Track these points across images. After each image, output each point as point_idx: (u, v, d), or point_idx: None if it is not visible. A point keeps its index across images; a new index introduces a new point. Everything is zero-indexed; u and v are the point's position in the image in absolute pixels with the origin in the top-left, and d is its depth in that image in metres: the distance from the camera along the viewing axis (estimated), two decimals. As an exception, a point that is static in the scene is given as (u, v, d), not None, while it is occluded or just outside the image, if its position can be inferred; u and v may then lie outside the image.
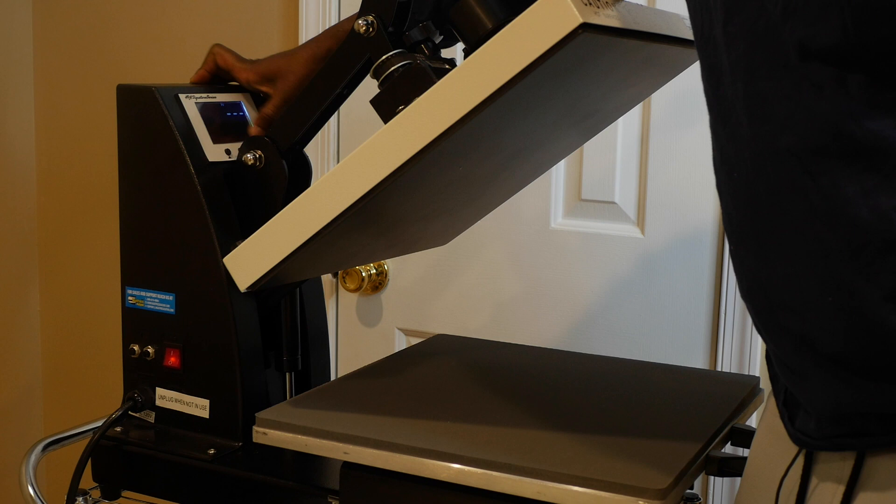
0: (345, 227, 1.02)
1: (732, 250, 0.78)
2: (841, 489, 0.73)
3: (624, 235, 1.66)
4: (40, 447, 1.16)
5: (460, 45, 1.01)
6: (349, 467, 0.98)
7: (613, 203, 1.67)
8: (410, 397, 1.09)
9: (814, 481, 0.76)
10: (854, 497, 0.72)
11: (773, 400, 0.86)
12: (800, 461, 0.79)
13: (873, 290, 0.66)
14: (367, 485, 0.98)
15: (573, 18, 0.84)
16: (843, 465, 0.73)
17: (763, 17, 0.67)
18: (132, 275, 1.18)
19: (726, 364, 1.59)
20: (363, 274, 1.81)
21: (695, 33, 0.78)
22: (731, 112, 0.72)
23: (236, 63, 1.20)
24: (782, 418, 0.81)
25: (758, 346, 1.57)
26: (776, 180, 0.70)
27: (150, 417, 1.18)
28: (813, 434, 0.75)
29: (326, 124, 1.48)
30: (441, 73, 0.99)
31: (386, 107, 1.01)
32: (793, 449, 0.80)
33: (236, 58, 1.21)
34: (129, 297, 1.18)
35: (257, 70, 1.19)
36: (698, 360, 1.63)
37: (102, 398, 2.13)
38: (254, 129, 1.18)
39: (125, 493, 1.18)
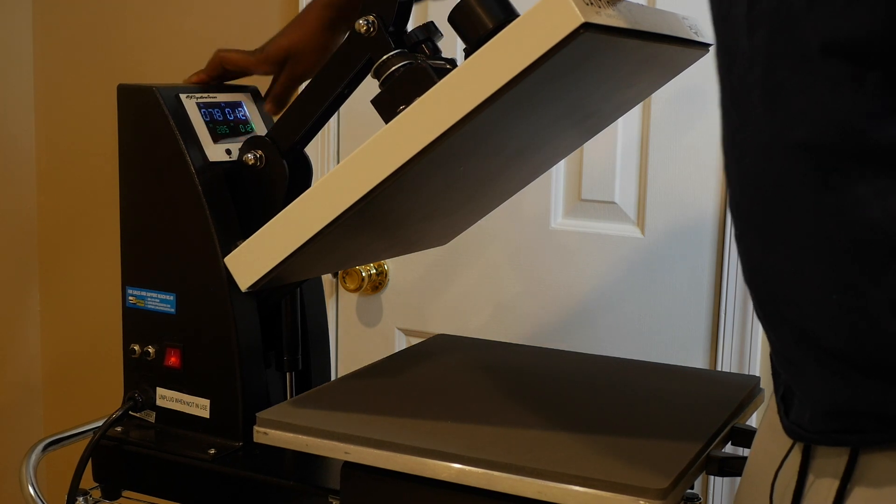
0: (345, 228, 1.02)
1: (737, 235, 0.77)
2: (836, 484, 0.73)
3: (624, 235, 1.66)
4: (40, 447, 1.16)
5: (460, 46, 1.01)
6: (350, 467, 0.98)
7: (613, 203, 1.67)
8: (411, 397, 1.09)
9: (810, 478, 0.76)
10: (849, 493, 0.72)
11: (774, 398, 0.86)
12: (796, 456, 0.78)
13: (880, 293, 0.65)
14: (368, 485, 0.98)
15: (575, 18, 0.84)
16: (838, 461, 0.73)
17: (786, 3, 0.66)
18: (132, 275, 1.18)
19: (726, 364, 1.59)
20: (363, 274, 1.81)
21: (712, 11, 0.76)
22: (747, 97, 0.71)
23: (247, 59, 1.20)
24: (779, 413, 0.81)
25: (758, 346, 1.57)
26: (786, 173, 0.69)
27: (151, 417, 1.18)
28: (807, 427, 0.75)
29: (327, 124, 1.48)
30: (442, 73, 1.00)
31: (387, 107, 1.01)
32: (788, 442, 0.80)
33: (243, 55, 1.21)
34: (130, 297, 1.18)
35: (269, 60, 1.20)
36: (698, 360, 1.63)
37: (102, 398, 2.13)
38: (268, 107, 1.23)
39: (125, 493, 1.18)
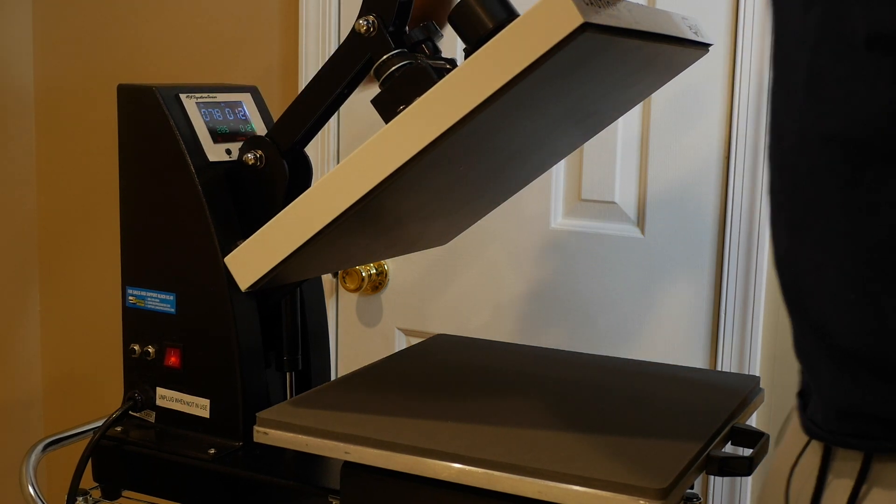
0: (345, 228, 1.02)
1: (770, 219, 0.77)
2: (851, 484, 0.73)
3: (624, 235, 1.66)
4: (40, 447, 1.16)
5: (460, 45, 1.01)
6: (350, 467, 0.98)
7: (613, 203, 1.67)
8: (410, 397, 1.09)
9: (830, 477, 0.76)
10: (863, 496, 0.72)
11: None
12: (813, 454, 0.78)
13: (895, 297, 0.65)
14: (368, 484, 0.98)
15: (575, 18, 0.84)
16: (854, 464, 0.73)
17: None
18: (132, 274, 1.18)
19: (726, 364, 1.59)
20: (363, 274, 1.81)
21: None
22: (791, 76, 0.70)
23: None
24: (798, 408, 0.81)
25: (758, 346, 1.57)
26: (818, 163, 0.68)
27: (151, 417, 1.18)
28: (820, 424, 0.75)
29: (327, 124, 1.48)
30: (442, 72, 1.00)
31: (387, 107, 1.02)
32: (805, 438, 0.80)
33: None
34: (130, 297, 1.18)
35: None
36: (698, 360, 1.63)
37: (102, 398, 2.13)
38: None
39: (125, 493, 1.18)
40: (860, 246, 0.66)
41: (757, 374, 1.48)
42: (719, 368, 1.60)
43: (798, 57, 0.69)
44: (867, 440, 0.71)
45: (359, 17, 1.07)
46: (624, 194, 1.66)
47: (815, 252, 0.70)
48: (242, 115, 1.22)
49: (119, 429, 1.17)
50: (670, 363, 1.39)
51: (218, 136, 1.17)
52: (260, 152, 1.13)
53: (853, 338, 0.68)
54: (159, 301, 1.16)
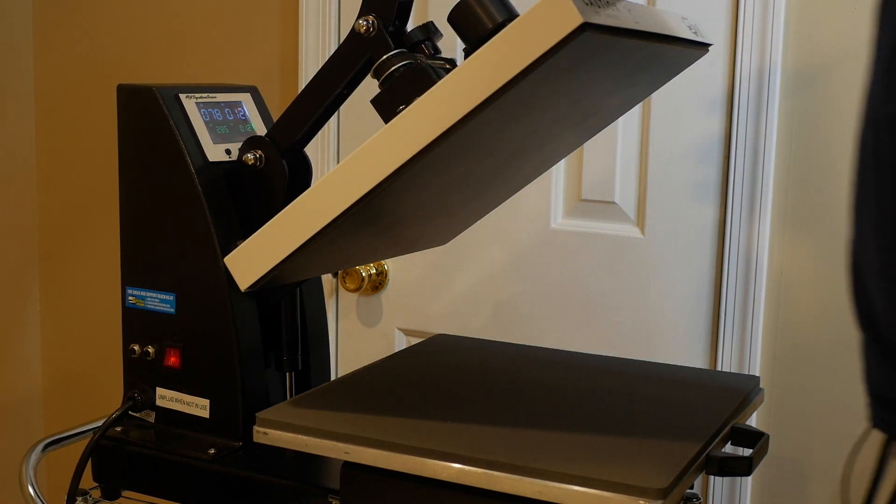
0: (345, 227, 1.02)
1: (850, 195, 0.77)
2: None
3: (624, 235, 1.66)
4: (40, 447, 1.16)
5: (460, 45, 1.01)
6: (350, 467, 0.98)
7: (613, 203, 1.67)
8: (410, 397, 1.09)
9: (888, 460, 0.76)
10: None
11: None
12: (877, 436, 0.78)
13: None
14: (368, 484, 0.98)
15: (575, 18, 0.84)
16: None
17: None
18: (132, 274, 1.18)
19: (726, 364, 1.59)
20: (363, 274, 1.81)
21: None
22: (880, 56, 0.70)
23: None
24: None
25: (758, 346, 1.57)
26: (882, 144, 0.68)
27: (151, 417, 1.18)
28: (870, 405, 0.75)
29: (327, 124, 1.48)
30: (441, 72, 1.00)
31: (386, 107, 1.02)
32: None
33: None
34: (130, 297, 1.18)
35: None
36: (698, 360, 1.63)
37: (102, 398, 2.13)
38: None
39: (125, 493, 1.18)
40: None
41: (757, 374, 1.48)
42: (719, 368, 1.60)
43: (888, 33, 0.69)
44: None
45: (358, 16, 1.07)
46: (624, 194, 1.66)
47: (870, 236, 0.70)
48: (242, 115, 1.22)
49: (119, 429, 1.17)
50: (670, 363, 1.39)
51: (218, 136, 1.17)
52: (260, 152, 1.13)
53: (892, 329, 0.68)
54: (159, 301, 1.16)
